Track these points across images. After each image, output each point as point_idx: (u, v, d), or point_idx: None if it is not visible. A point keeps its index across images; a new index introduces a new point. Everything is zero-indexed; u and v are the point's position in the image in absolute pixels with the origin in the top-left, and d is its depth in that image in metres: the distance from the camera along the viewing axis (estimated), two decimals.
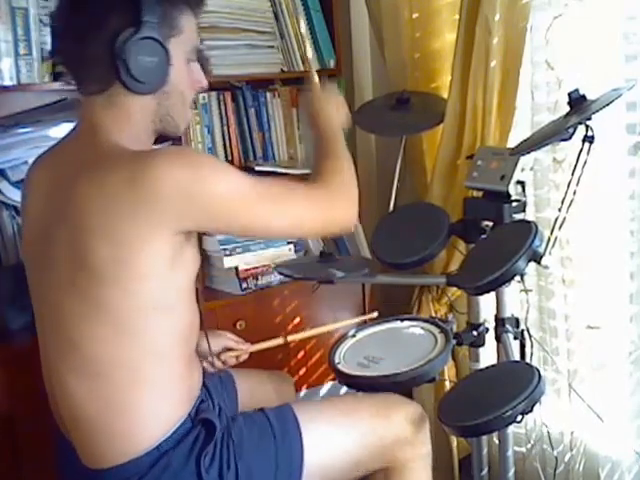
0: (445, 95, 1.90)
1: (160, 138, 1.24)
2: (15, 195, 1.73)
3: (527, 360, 1.63)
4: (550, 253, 1.45)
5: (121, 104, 1.14)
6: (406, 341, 1.57)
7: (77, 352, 1.12)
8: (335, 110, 1.41)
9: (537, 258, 1.43)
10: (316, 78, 1.47)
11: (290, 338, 1.55)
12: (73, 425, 1.17)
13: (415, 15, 1.96)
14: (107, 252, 1.06)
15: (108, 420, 1.12)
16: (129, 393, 1.12)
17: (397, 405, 1.36)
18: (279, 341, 1.53)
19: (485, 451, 1.79)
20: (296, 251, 2.10)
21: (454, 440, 2.04)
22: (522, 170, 1.58)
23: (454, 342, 1.57)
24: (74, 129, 1.22)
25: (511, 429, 1.61)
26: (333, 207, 1.25)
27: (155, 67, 1.11)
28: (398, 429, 1.33)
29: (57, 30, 1.17)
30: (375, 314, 1.66)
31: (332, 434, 1.28)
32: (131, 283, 1.08)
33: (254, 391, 1.49)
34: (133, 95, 1.13)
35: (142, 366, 1.12)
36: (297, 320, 2.03)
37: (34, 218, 1.21)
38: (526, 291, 1.70)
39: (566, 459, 1.85)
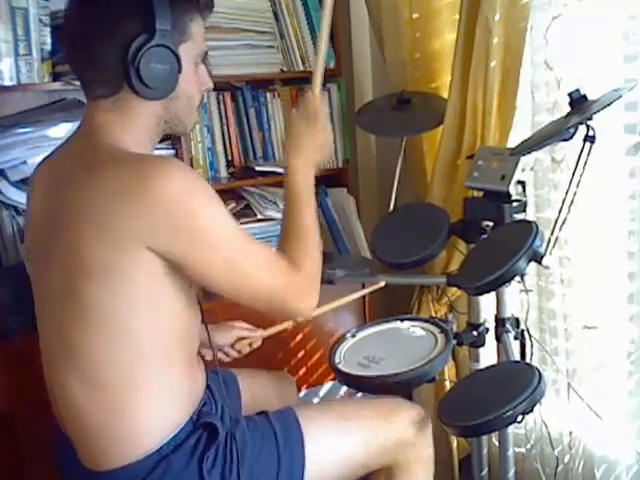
0: (445, 95, 1.90)
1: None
2: (15, 195, 1.73)
3: (527, 360, 1.63)
4: (550, 253, 1.45)
5: (128, 108, 1.14)
6: (406, 341, 1.57)
7: (76, 355, 1.12)
8: (312, 147, 1.30)
9: (537, 258, 1.43)
10: (316, 91, 1.33)
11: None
12: (73, 427, 1.16)
13: (415, 15, 1.96)
14: (101, 254, 1.06)
15: (108, 423, 1.12)
16: (128, 396, 1.11)
17: (399, 408, 1.36)
18: (289, 323, 1.53)
19: (485, 451, 1.79)
20: None
21: (454, 440, 2.04)
22: (522, 170, 1.58)
23: (454, 342, 1.57)
24: (76, 131, 1.22)
25: (511, 429, 1.62)
26: (303, 292, 1.19)
27: (166, 74, 1.12)
28: (400, 432, 1.33)
29: (67, 33, 1.16)
30: (383, 283, 1.65)
31: (334, 438, 1.28)
32: (116, 283, 1.07)
33: (257, 391, 1.49)
34: (141, 100, 1.13)
35: (141, 369, 1.12)
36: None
37: (35, 220, 1.21)
38: (526, 291, 1.70)
39: (566, 459, 1.85)
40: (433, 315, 1.99)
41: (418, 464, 1.35)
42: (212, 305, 1.88)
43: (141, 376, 1.12)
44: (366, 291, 1.69)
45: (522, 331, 1.65)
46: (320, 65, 1.34)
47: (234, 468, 1.16)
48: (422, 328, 1.59)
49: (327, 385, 2.10)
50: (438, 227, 1.69)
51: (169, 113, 1.18)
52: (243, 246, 1.14)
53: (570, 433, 1.84)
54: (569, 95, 1.42)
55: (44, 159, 1.28)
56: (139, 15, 1.09)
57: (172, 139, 1.92)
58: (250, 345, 1.50)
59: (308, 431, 1.25)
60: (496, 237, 1.58)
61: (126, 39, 1.08)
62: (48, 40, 1.75)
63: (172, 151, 1.94)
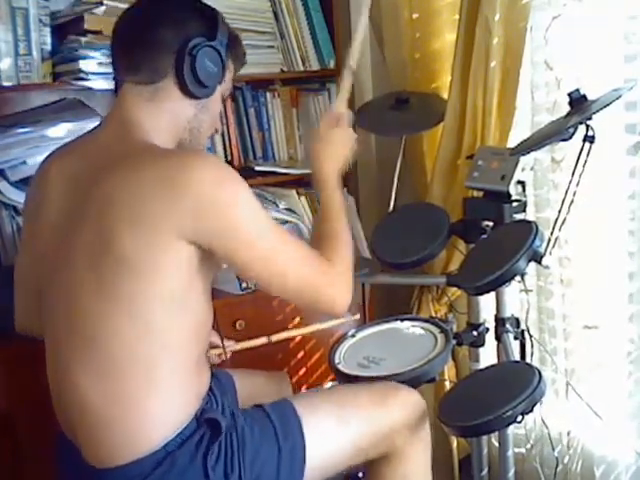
0: (445, 95, 1.90)
1: None
2: (14, 195, 1.73)
3: (527, 360, 1.63)
4: (550, 253, 1.45)
5: (164, 100, 1.18)
6: (406, 341, 1.57)
7: (93, 349, 1.12)
8: (339, 153, 1.39)
9: (537, 258, 1.43)
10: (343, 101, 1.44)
11: (274, 338, 1.55)
12: (81, 422, 1.16)
13: (415, 15, 1.96)
14: (136, 247, 1.07)
15: (118, 417, 1.12)
16: (141, 390, 1.12)
17: (394, 392, 1.36)
18: (262, 340, 1.54)
19: (485, 451, 1.79)
20: None
21: (454, 440, 2.04)
22: (522, 170, 1.58)
23: (454, 342, 1.57)
24: (100, 125, 1.25)
25: (511, 429, 1.61)
26: (334, 286, 1.23)
27: (213, 76, 1.19)
28: (396, 415, 1.33)
29: (132, 13, 1.21)
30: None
31: (332, 426, 1.28)
32: (149, 278, 1.09)
33: (253, 392, 1.49)
34: (179, 95, 1.18)
35: (156, 364, 1.12)
36: (297, 320, 2.02)
37: (50, 215, 1.20)
38: (526, 291, 1.70)
39: (565, 459, 1.85)
40: (433, 315, 1.99)
41: (416, 447, 1.35)
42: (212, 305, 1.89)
43: (156, 371, 1.12)
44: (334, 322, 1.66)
45: (522, 331, 1.65)
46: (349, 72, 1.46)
47: (235, 462, 1.16)
48: (422, 328, 1.59)
49: (327, 385, 2.10)
50: (438, 227, 1.69)
51: (196, 121, 1.23)
52: (278, 239, 1.17)
53: (569, 433, 1.84)
54: (569, 95, 1.42)
55: (50, 155, 1.28)
56: (205, 19, 1.19)
57: None
58: (219, 356, 1.50)
59: (306, 421, 1.25)
60: (496, 237, 1.58)
61: (190, 32, 1.16)
62: (48, 40, 1.76)
63: None
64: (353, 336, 1.61)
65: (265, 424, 1.24)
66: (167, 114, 1.19)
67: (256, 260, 1.15)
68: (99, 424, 1.13)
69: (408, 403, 1.35)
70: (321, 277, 1.21)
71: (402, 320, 1.64)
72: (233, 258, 1.14)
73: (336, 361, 1.51)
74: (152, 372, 1.12)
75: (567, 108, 1.44)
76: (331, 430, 1.28)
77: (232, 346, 1.51)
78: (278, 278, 1.18)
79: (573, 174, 1.40)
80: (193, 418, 1.17)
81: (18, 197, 1.72)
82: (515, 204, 1.58)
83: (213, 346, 1.47)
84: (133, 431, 1.12)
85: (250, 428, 1.22)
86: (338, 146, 1.39)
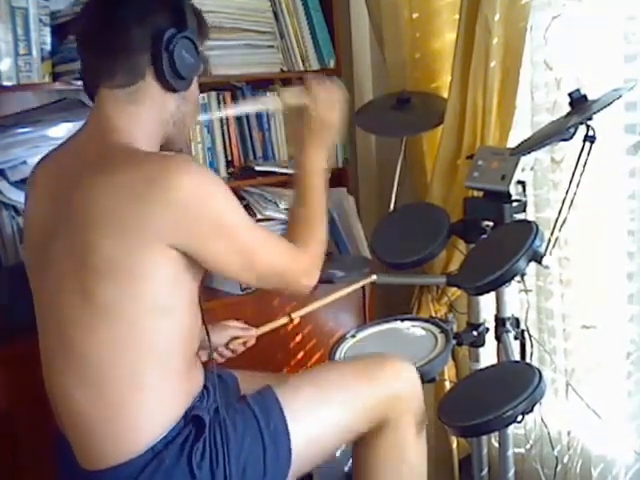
0: (445, 95, 1.90)
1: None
2: (14, 195, 1.73)
3: (527, 360, 1.63)
4: (550, 253, 1.45)
5: (144, 99, 1.17)
6: (406, 341, 1.57)
7: (77, 354, 1.12)
8: (329, 135, 1.37)
9: (537, 258, 1.43)
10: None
11: (294, 315, 1.53)
12: (71, 425, 1.17)
13: (415, 15, 1.96)
14: (110, 251, 1.07)
15: (106, 421, 1.12)
16: (128, 395, 1.12)
17: (380, 363, 1.34)
18: (284, 320, 1.53)
19: (485, 451, 1.79)
20: None
21: (454, 440, 2.04)
22: (522, 170, 1.58)
23: (454, 342, 1.57)
24: (83, 129, 1.23)
25: (511, 429, 1.62)
26: (304, 272, 1.29)
27: (192, 66, 1.17)
28: (383, 387, 1.31)
29: (94, 18, 1.18)
30: (374, 277, 1.67)
31: (315, 408, 1.27)
32: (132, 284, 1.08)
33: None
34: (160, 91, 1.17)
35: (141, 368, 1.12)
36: (297, 320, 2.02)
37: (37, 218, 1.21)
38: (526, 291, 1.70)
39: (565, 459, 1.85)
40: (433, 315, 1.99)
41: (408, 417, 1.32)
42: (212, 305, 1.89)
43: (142, 375, 1.12)
44: (357, 285, 1.67)
45: (522, 331, 1.65)
46: None
47: (220, 458, 1.15)
48: (422, 328, 1.60)
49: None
50: (438, 227, 1.69)
51: (179, 113, 1.21)
52: (257, 236, 1.20)
53: (569, 433, 1.84)
54: (569, 95, 1.42)
55: (43, 157, 1.27)
56: (171, 9, 1.15)
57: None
58: (244, 344, 1.50)
59: (288, 407, 1.24)
60: (496, 237, 1.58)
61: (159, 27, 1.13)
62: (48, 40, 1.75)
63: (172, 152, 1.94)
64: (353, 336, 1.61)
65: (247, 416, 1.23)
66: (149, 113, 1.18)
67: (239, 255, 1.17)
68: (86, 427, 1.14)
69: (396, 373, 1.34)
70: (298, 265, 1.26)
71: (402, 320, 1.64)
72: (219, 256, 1.16)
73: None
74: (138, 376, 1.12)
75: (567, 108, 1.44)
76: (314, 412, 1.27)
77: (254, 331, 1.51)
78: (261, 269, 1.22)
79: (573, 174, 1.40)
80: (181, 418, 1.16)
81: (18, 197, 1.72)
82: (515, 204, 1.58)
83: (235, 337, 1.48)
84: (121, 434, 1.12)
85: (232, 421, 1.20)
86: (327, 135, 1.37)
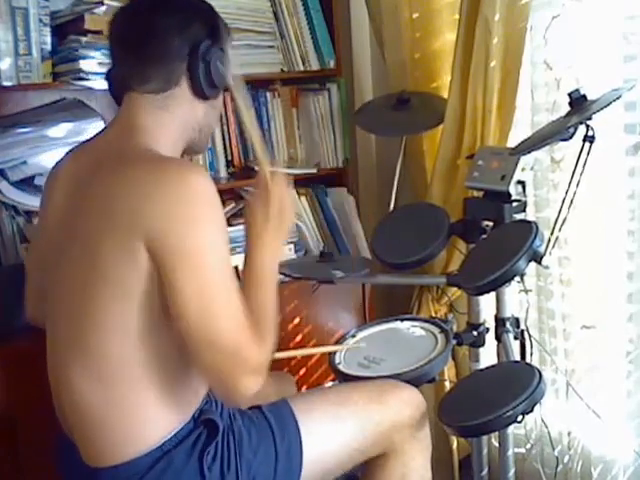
0: (445, 95, 1.90)
1: None
2: (14, 195, 1.73)
3: (527, 360, 1.63)
4: (550, 253, 1.45)
5: (175, 105, 1.19)
6: (406, 341, 1.57)
7: (88, 352, 1.12)
8: (278, 233, 1.23)
9: (537, 258, 1.43)
10: (266, 172, 1.22)
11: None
12: (77, 422, 1.16)
13: (415, 15, 1.96)
14: (114, 254, 1.07)
15: (113, 417, 1.12)
16: (135, 392, 1.12)
17: (392, 390, 1.36)
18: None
19: (485, 451, 1.79)
20: (296, 251, 2.10)
21: (454, 440, 2.04)
22: (522, 170, 1.58)
23: (454, 342, 1.57)
24: (106, 128, 1.25)
25: (511, 429, 1.62)
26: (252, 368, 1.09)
27: (224, 76, 1.21)
28: (394, 413, 1.33)
29: (135, 24, 1.19)
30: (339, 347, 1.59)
31: (330, 426, 1.28)
32: (135, 287, 1.08)
33: (256, 392, 1.49)
34: (190, 98, 1.20)
35: (152, 366, 1.12)
36: (297, 320, 2.02)
37: (54, 215, 1.21)
38: (526, 291, 1.70)
39: (565, 459, 1.86)
40: (433, 315, 1.99)
41: (414, 445, 1.35)
42: None
43: (152, 374, 1.12)
44: (324, 349, 1.65)
45: (522, 331, 1.65)
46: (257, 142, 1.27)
47: (232, 464, 1.16)
48: (422, 328, 1.59)
49: (327, 385, 2.10)
50: (438, 227, 1.69)
51: (205, 120, 1.24)
52: (226, 281, 1.08)
53: (569, 433, 1.84)
54: (569, 95, 1.42)
55: (66, 154, 1.28)
56: (207, 22, 1.20)
57: None
58: None
59: (303, 422, 1.25)
60: (496, 237, 1.58)
61: (197, 38, 1.17)
62: (48, 40, 1.75)
63: None
64: (353, 336, 1.61)
65: (263, 426, 1.24)
66: (178, 119, 1.20)
67: (198, 285, 1.05)
68: (95, 424, 1.13)
69: (408, 401, 1.35)
70: (250, 349, 1.07)
71: (402, 320, 1.64)
72: (177, 274, 1.04)
73: (336, 361, 1.51)
74: (147, 375, 1.12)
75: (567, 108, 1.44)
76: (328, 430, 1.28)
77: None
78: (211, 319, 1.05)
79: (573, 174, 1.40)
80: (191, 418, 1.17)
81: (18, 197, 1.72)
82: (515, 204, 1.58)
83: None
84: (129, 432, 1.12)
85: (247, 430, 1.22)
86: (276, 233, 1.23)
